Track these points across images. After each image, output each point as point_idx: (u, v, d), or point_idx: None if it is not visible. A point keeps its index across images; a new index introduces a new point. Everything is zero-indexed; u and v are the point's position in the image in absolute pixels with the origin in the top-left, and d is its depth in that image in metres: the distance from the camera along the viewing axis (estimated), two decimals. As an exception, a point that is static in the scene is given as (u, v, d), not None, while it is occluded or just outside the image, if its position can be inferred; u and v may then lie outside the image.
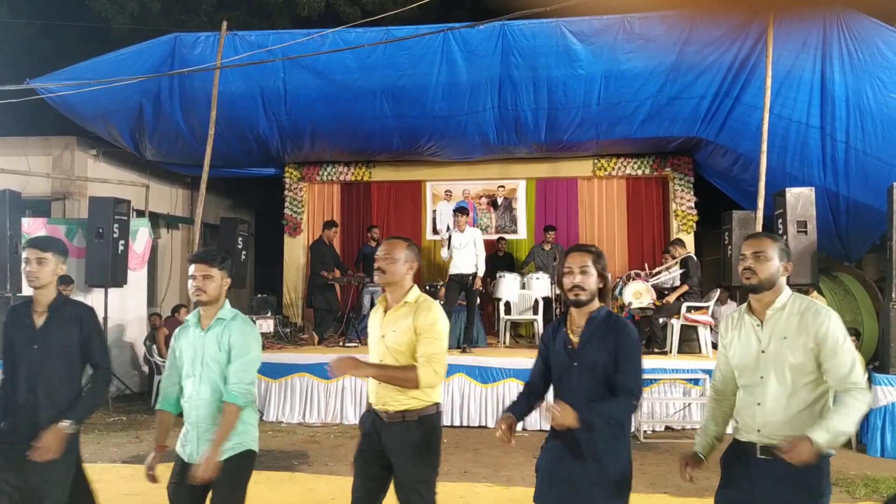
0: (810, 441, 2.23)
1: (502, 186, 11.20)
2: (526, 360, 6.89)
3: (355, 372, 2.87)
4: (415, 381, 2.86)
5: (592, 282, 2.59)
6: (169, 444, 3.10)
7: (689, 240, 10.09)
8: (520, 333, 10.13)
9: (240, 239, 9.59)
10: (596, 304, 2.64)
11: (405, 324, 2.96)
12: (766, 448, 2.44)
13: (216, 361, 3.01)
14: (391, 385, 2.93)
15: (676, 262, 8.18)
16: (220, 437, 2.91)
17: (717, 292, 8.32)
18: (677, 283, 8.14)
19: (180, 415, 3.12)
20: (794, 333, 2.45)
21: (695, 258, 8.29)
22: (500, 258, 10.26)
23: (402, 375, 2.89)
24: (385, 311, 3.09)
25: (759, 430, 2.47)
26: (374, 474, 3.00)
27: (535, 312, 8.81)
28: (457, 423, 7.32)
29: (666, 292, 8.15)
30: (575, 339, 2.61)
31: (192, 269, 3.08)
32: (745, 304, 2.65)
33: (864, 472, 5.70)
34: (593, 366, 2.54)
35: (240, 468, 3.01)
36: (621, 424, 2.56)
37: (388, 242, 3.08)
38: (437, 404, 3.04)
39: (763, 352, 2.50)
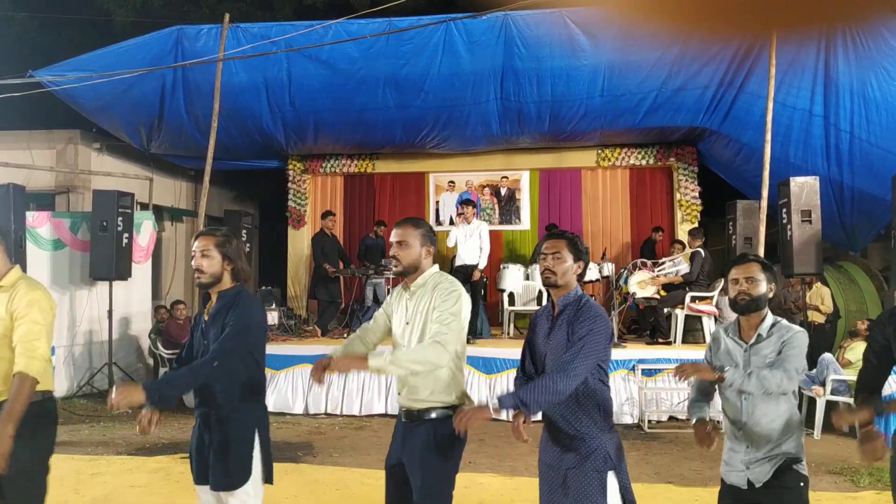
0: (365, 360, 2.63)
1: (505, 177, 11.18)
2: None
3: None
4: (34, 381, 2.65)
5: (216, 264, 3.00)
6: None
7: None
8: (524, 324, 10.13)
9: (244, 231, 9.59)
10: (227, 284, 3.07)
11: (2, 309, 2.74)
12: (409, 412, 2.79)
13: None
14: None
15: (686, 255, 8.14)
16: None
17: (722, 282, 8.29)
18: (683, 273, 8.09)
19: None
20: (427, 307, 2.79)
21: (702, 253, 8.20)
22: None
23: (28, 395, 2.63)
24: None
25: (401, 394, 2.81)
26: None
27: (539, 303, 8.80)
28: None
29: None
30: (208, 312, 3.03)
31: None
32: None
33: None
34: (217, 333, 2.90)
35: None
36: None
37: None
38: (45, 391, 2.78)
39: (407, 323, 2.85)
